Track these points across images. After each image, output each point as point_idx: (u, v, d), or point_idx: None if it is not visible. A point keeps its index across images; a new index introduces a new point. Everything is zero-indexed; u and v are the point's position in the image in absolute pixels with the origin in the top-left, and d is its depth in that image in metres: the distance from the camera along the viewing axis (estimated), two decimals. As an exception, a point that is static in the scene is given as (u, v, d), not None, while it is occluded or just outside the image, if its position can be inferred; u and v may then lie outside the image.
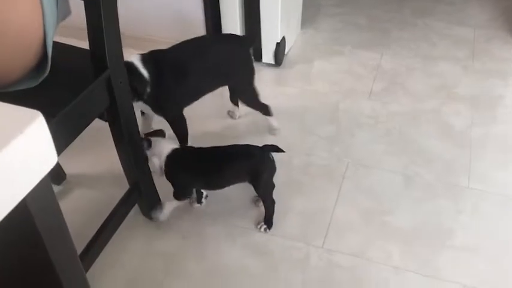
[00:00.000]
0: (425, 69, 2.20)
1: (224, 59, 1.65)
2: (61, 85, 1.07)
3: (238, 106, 1.91)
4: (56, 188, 1.66)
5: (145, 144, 1.42)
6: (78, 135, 1.09)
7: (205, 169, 1.46)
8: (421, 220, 1.54)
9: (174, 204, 1.50)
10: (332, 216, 1.55)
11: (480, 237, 1.49)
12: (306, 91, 2.09)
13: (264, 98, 2.07)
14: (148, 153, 1.42)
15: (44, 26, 0.95)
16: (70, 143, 1.08)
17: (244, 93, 1.78)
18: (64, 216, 1.62)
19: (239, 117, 1.95)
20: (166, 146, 1.44)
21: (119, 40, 1.12)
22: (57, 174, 1.66)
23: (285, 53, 2.24)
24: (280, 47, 2.13)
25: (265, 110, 1.81)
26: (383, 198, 1.61)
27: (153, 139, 1.44)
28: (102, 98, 1.14)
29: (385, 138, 1.84)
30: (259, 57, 2.20)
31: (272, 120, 1.84)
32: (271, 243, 1.49)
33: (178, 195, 1.49)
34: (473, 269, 1.41)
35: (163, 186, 1.49)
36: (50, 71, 1.05)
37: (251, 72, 1.72)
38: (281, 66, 2.21)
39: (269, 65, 2.21)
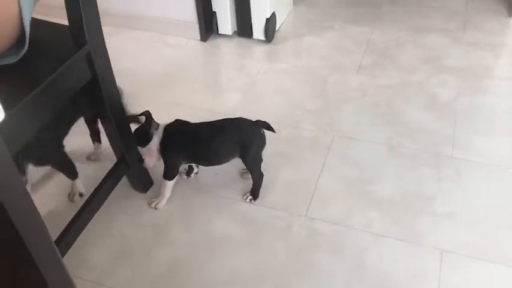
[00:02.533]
0: (416, 42, 2.21)
1: None
2: (41, 60, 1.11)
3: (100, 142, 1.73)
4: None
5: (154, 125, 1.48)
6: (60, 107, 1.14)
7: (196, 142, 1.50)
8: (402, 188, 1.58)
9: (168, 189, 1.55)
10: (316, 187, 1.60)
11: (461, 204, 1.53)
12: (296, 66, 2.12)
13: (254, 74, 2.10)
14: (154, 133, 1.48)
15: (19, 2, 0.99)
16: (53, 115, 1.13)
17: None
18: (59, 190, 1.65)
19: (104, 150, 1.72)
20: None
21: (97, 16, 1.16)
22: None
23: (276, 29, 2.26)
24: (270, 22, 2.15)
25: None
26: (366, 169, 1.65)
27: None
28: (83, 72, 1.18)
29: (371, 111, 1.87)
30: (250, 34, 2.22)
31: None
32: (256, 213, 1.53)
33: (168, 174, 1.53)
34: (453, 235, 1.44)
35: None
36: (31, 47, 1.09)
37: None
38: (272, 42, 2.24)
39: (260, 41, 2.23)
